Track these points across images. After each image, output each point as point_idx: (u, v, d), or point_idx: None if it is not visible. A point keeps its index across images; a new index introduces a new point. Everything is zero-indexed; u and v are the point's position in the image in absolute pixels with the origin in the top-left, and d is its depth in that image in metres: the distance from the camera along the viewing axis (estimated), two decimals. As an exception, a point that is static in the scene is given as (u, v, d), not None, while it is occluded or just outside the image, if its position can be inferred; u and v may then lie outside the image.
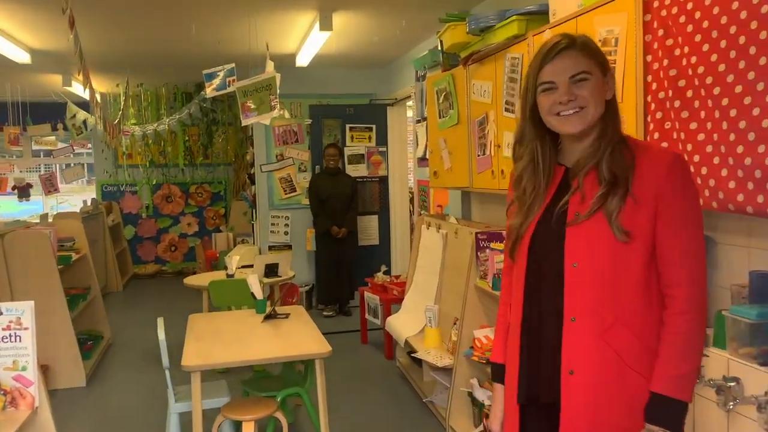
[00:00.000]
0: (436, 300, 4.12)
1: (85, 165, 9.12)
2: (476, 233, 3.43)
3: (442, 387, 3.78)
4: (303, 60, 5.79)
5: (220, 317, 3.91)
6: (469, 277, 3.48)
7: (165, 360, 3.15)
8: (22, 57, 5.19)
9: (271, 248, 6.68)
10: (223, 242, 7.95)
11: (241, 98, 4.47)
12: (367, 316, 5.20)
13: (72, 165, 8.91)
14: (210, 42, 5.39)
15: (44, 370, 4.17)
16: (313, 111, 6.60)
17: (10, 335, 2.07)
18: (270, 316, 3.56)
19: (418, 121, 5.60)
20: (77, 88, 7.07)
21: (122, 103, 6.71)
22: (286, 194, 6.65)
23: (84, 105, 7.01)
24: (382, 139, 6.68)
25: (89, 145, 8.99)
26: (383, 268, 5.36)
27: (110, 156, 8.98)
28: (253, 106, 4.40)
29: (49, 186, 8.65)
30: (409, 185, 6.90)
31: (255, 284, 3.79)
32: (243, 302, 4.43)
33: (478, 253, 3.42)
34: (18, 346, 2.08)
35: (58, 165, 9.41)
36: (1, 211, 10.00)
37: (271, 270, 5.06)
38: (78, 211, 7.34)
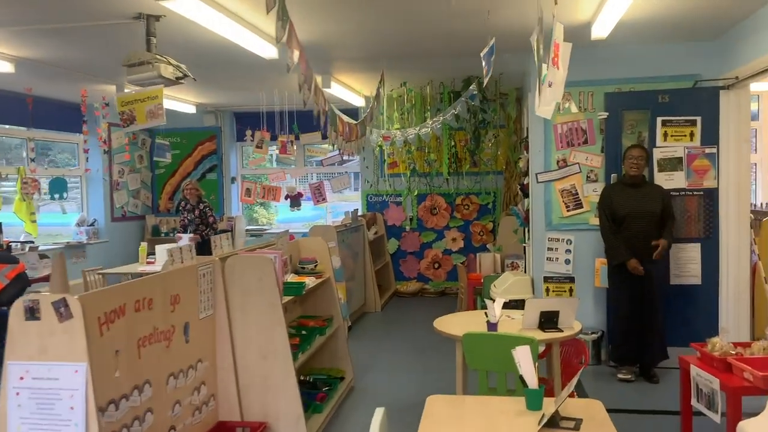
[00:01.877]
0: None
1: (351, 174, 8.72)
2: None
3: None
4: (600, 30, 4.25)
5: (469, 406, 2.61)
6: None
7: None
8: (269, 52, 4.59)
9: (547, 280, 5.24)
10: (488, 264, 6.73)
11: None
12: (693, 402, 3.44)
13: (338, 174, 8.57)
14: (475, 13, 4.19)
15: (262, 430, 3.37)
16: (611, 101, 4.96)
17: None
18: (551, 423, 2.17)
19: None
20: (338, 90, 6.50)
21: (373, 102, 5.89)
22: (568, 211, 5.16)
23: (351, 111, 6.43)
24: (711, 137, 4.75)
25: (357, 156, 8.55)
26: (723, 330, 3.53)
27: (371, 164, 8.42)
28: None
29: (318, 196, 8.46)
30: (754, 202, 4.85)
31: (525, 361, 2.42)
32: (508, 367, 3.12)
33: None
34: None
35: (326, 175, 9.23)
36: (282, 216, 10.25)
37: (548, 320, 3.65)
38: (333, 224, 6.77)
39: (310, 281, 4.27)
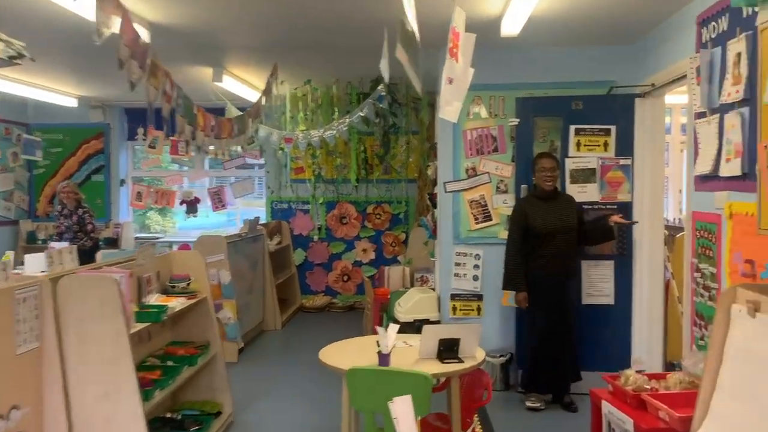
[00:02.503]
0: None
1: (255, 179, 8.10)
2: None
3: None
4: (510, 26, 3.87)
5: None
6: None
7: None
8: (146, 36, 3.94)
9: (454, 297, 4.83)
10: (397, 278, 6.27)
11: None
12: (606, 442, 3.08)
13: (240, 178, 7.91)
14: (377, 1, 3.72)
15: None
16: (522, 106, 4.61)
17: None
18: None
19: (701, 115, 3.38)
20: (231, 85, 5.87)
21: (261, 97, 5.32)
22: (477, 223, 4.77)
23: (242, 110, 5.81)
24: (626, 148, 4.47)
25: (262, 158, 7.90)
26: (636, 361, 3.17)
27: (273, 169, 7.81)
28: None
29: (218, 201, 7.77)
30: (667, 218, 4.61)
31: (404, 417, 1.93)
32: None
33: None
34: None
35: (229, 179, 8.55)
36: (184, 224, 9.46)
37: (448, 348, 3.20)
38: (225, 234, 6.13)
39: (178, 303, 3.64)
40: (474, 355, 3.23)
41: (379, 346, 3.14)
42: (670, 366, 4.61)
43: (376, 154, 7.02)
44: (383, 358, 3.08)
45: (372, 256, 7.91)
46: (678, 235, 4.76)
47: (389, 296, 5.78)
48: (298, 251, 7.95)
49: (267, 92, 5.13)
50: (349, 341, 3.64)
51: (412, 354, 3.25)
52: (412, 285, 6.29)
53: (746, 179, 2.93)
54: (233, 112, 5.64)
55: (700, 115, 3.41)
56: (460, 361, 3.15)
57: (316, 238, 7.93)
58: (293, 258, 7.90)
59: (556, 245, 4.16)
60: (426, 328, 3.24)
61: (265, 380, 4.98)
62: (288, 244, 7.85)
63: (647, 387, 2.97)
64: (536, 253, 4.18)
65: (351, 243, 7.94)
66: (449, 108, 3.15)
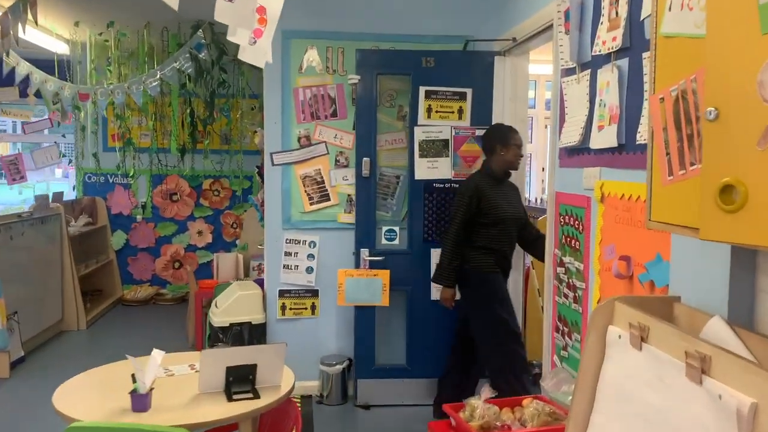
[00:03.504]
0: None
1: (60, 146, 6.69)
2: None
3: None
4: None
5: None
6: None
7: None
8: None
9: (283, 294, 3.96)
10: (228, 267, 5.29)
11: None
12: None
13: (44, 145, 6.49)
14: None
15: None
16: (363, 60, 3.76)
17: None
18: None
19: (568, 72, 2.71)
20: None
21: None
22: (312, 204, 3.91)
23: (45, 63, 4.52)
24: (484, 116, 3.78)
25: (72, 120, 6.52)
26: (484, 390, 2.44)
27: (78, 133, 6.46)
28: None
29: (15, 173, 6.35)
30: (528, 197, 3.98)
31: None
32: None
33: None
34: None
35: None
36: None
37: (240, 378, 2.31)
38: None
39: None
40: (277, 383, 2.37)
41: (134, 382, 2.19)
42: (530, 366, 4.05)
43: (200, 118, 5.88)
44: (138, 401, 2.14)
45: (209, 239, 6.84)
46: (540, 218, 4.18)
47: (213, 290, 4.80)
48: (117, 234, 6.70)
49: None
50: (114, 368, 2.65)
51: (192, 385, 2.34)
52: (247, 275, 5.35)
53: (623, 152, 2.28)
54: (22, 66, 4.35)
55: (568, 72, 2.73)
56: (256, 395, 2.28)
57: (139, 218, 6.71)
58: (111, 242, 6.65)
59: (512, 235, 3.46)
60: (205, 353, 2.32)
61: (43, 400, 3.85)
62: (104, 225, 6.59)
63: (497, 424, 2.26)
64: (495, 246, 3.41)
65: (183, 224, 6.81)
66: (253, 47, 2.28)
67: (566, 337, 2.83)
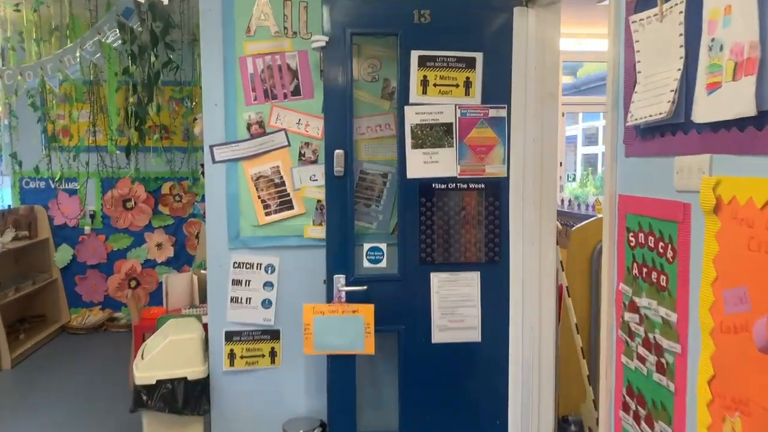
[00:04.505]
0: None
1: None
2: None
3: None
4: None
5: None
6: None
7: None
8: None
9: (232, 337, 2.94)
10: (181, 292, 4.28)
11: None
12: None
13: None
14: None
15: None
16: (334, 16, 2.71)
17: None
18: None
19: (641, 5, 1.68)
20: None
21: None
22: (269, 214, 2.88)
23: None
24: (498, 89, 2.75)
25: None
26: None
27: (21, 128, 5.44)
28: None
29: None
30: (563, 201, 2.96)
31: None
32: None
33: None
34: None
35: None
36: None
37: None
38: None
39: None
40: None
41: None
42: (563, 423, 3.05)
43: (133, 107, 4.78)
44: None
45: (170, 252, 5.83)
46: (575, 228, 3.16)
47: (156, 322, 3.79)
48: (62, 248, 5.69)
49: None
50: None
51: None
52: (204, 301, 4.33)
53: (764, 126, 1.27)
54: None
55: (642, 6, 1.71)
56: None
57: (88, 229, 5.70)
58: (54, 258, 5.64)
59: None
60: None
61: None
62: (46, 239, 5.58)
63: None
64: None
65: (140, 235, 5.80)
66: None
67: (643, 424, 1.80)
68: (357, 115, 2.84)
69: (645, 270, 1.77)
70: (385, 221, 2.97)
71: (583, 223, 3.11)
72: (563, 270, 2.96)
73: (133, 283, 5.79)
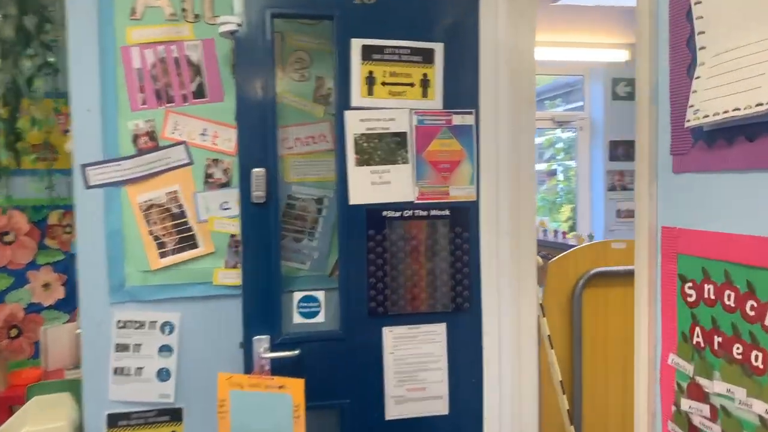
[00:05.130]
0: None
1: None
2: None
3: None
4: None
5: None
6: None
7: None
8: None
9: (117, 420, 2.16)
10: (63, 348, 3.47)
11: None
12: None
13: None
14: None
15: None
16: (247, -7, 2.07)
17: None
18: None
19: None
20: None
21: None
22: (165, 256, 2.14)
23: None
24: (463, 89, 2.16)
25: None
26: None
27: None
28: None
29: None
30: (544, 231, 2.40)
31: None
32: None
33: None
34: None
35: None
36: None
37: None
38: None
39: None
40: None
41: None
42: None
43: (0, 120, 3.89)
44: None
45: (60, 293, 4.88)
46: (552, 260, 2.60)
47: (25, 392, 2.94)
48: None
49: None
50: None
51: None
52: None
53: None
54: None
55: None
56: None
57: (-46, 269, 4.70)
58: None
59: None
60: None
61: None
62: None
63: None
64: None
65: (21, 274, 4.83)
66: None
67: None
68: (282, 124, 2.18)
69: (719, 339, 1.19)
70: (322, 260, 2.30)
71: (561, 254, 2.57)
72: (544, 315, 2.38)
73: (14, 332, 4.82)
